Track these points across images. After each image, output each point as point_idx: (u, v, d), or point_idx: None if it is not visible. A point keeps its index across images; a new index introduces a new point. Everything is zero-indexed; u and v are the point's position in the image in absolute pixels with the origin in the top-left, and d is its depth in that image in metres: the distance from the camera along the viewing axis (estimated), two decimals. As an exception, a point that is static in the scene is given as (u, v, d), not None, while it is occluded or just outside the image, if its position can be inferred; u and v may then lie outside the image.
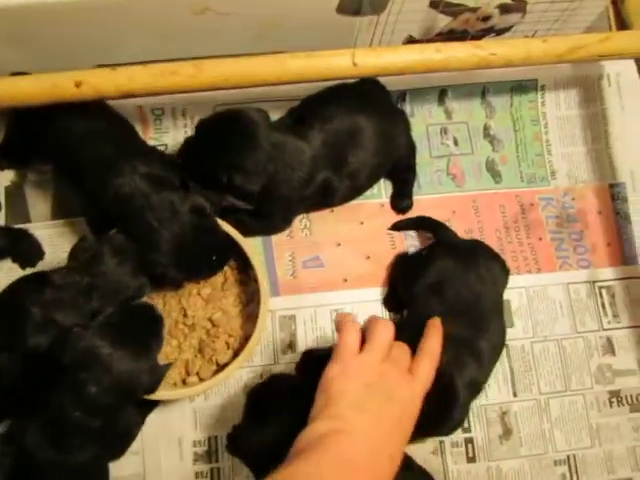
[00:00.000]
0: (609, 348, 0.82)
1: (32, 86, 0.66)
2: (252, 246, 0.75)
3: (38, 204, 0.81)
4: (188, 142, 0.73)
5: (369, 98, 0.78)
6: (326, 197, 0.77)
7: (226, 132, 0.69)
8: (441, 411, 0.65)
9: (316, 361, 0.74)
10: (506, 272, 0.76)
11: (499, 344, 0.72)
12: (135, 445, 0.73)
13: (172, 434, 0.75)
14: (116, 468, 0.71)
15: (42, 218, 0.81)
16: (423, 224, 0.83)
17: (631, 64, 0.84)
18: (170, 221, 0.65)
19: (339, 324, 0.63)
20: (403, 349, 0.63)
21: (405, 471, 0.72)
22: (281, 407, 0.66)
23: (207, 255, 0.69)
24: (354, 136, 0.74)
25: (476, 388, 0.69)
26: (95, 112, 0.71)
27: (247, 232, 0.75)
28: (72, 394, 0.59)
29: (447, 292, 0.71)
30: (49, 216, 0.81)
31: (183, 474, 0.75)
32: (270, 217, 0.77)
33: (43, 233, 0.80)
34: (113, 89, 0.65)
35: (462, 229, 0.85)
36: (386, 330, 0.62)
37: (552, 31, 0.80)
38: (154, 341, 0.65)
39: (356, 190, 0.80)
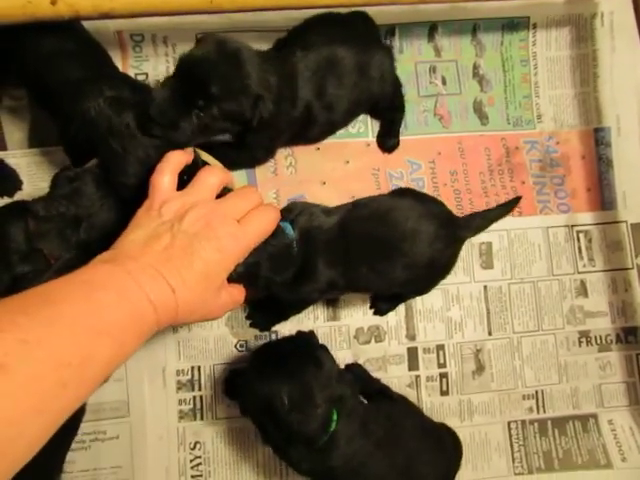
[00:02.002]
0: (582, 290, 0.85)
1: (3, 3, 0.62)
2: (237, 182, 0.74)
3: (15, 131, 0.78)
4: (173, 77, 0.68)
5: (353, 30, 0.76)
6: (306, 127, 0.75)
7: (215, 60, 0.65)
8: None
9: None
10: None
11: None
12: (119, 373, 0.75)
13: (156, 363, 0.77)
14: (100, 395, 0.74)
15: (19, 146, 0.78)
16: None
17: (627, 2, 0.82)
18: (133, 145, 0.63)
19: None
20: (242, 199, 0.59)
21: (386, 401, 0.76)
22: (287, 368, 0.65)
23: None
24: (333, 66, 0.72)
25: None
26: (65, 32, 0.67)
27: (231, 165, 0.74)
28: None
29: None
30: (26, 144, 0.78)
31: (166, 401, 0.77)
32: (253, 148, 0.75)
33: (20, 162, 0.78)
34: (91, 7, 0.62)
35: (447, 170, 0.85)
36: (213, 175, 0.59)
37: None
38: None
39: (333, 124, 0.79)
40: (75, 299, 0.45)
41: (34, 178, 0.78)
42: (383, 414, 0.71)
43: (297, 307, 0.78)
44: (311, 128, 0.76)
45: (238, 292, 0.60)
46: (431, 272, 0.73)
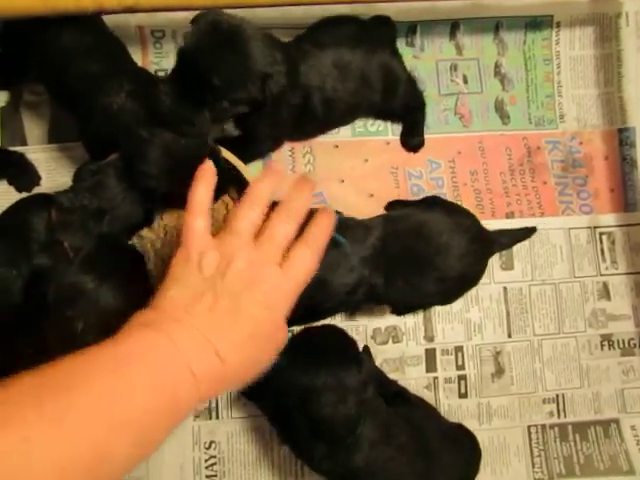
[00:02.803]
0: (605, 293, 0.84)
1: (28, -4, 0.62)
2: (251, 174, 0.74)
3: (34, 127, 0.78)
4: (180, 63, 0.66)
5: (366, 35, 0.75)
6: (303, 120, 0.74)
7: (212, 48, 0.62)
8: None
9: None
10: None
11: None
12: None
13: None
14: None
15: (38, 141, 0.78)
16: None
17: (653, 2, 0.81)
18: (158, 133, 0.63)
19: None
20: (281, 223, 0.52)
21: (404, 404, 0.75)
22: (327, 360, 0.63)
23: (195, 163, 0.66)
24: (338, 65, 0.72)
25: None
26: (85, 27, 0.67)
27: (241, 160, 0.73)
28: (58, 332, 0.57)
29: None
30: (46, 140, 0.79)
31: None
32: (259, 140, 0.74)
33: (39, 157, 0.78)
34: (115, 1, 0.62)
35: (467, 170, 0.84)
36: (250, 210, 0.52)
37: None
38: (137, 274, 0.63)
39: (329, 123, 0.78)
40: (100, 381, 0.40)
41: (53, 173, 0.78)
42: (402, 417, 0.69)
43: (333, 314, 0.77)
44: (308, 122, 0.75)
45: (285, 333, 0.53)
46: (459, 285, 0.73)
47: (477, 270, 0.73)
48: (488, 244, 0.74)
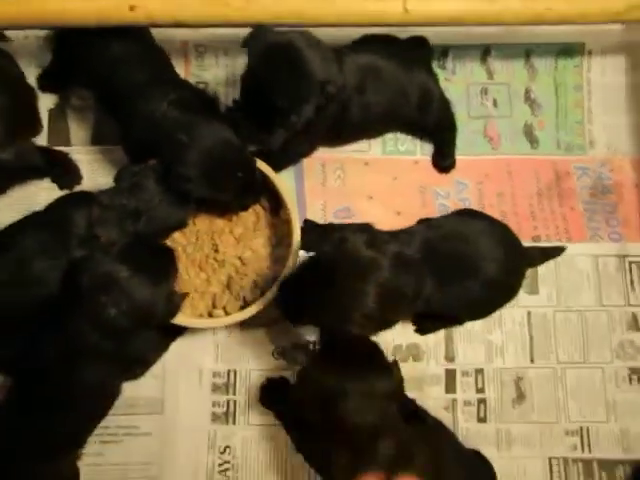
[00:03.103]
0: (633, 324, 0.81)
1: (85, 6, 0.67)
2: (287, 189, 0.76)
3: (79, 129, 0.83)
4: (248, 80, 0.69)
5: (403, 52, 0.78)
6: (340, 124, 0.75)
7: (269, 71, 0.66)
8: None
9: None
10: None
11: None
12: (157, 369, 0.75)
13: (193, 363, 0.77)
14: (136, 389, 0.74)
15: (82, 143, 0.83)
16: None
17: (685, 31, 0.82)
18: (198, 138, 0.66)
19: None
20: None
21: (421, 424, 0.73)
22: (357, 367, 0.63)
23: (231, 169, 0.69)
24: (376, 74, 0.74)
25: None
26: (132, 38, 0.72)
27: (278, 163, 0.76)
28: (89, 317, 0.59)
29: None
30: (89, 142, 0.83)
31: (200, 402, 0.76)
32: (296, 143, 0.75)
33: (82, 158, 0.82)
34: (166, 16, 0.66)
35: (494, 192, 0.85)
36: None
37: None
38: (170, 269, 0.66)
39: (363, 128, 0.79)
40: None
41: (94, 174, 0.81)
42: (420, 438, 0.68)
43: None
44: (342, 126, 0.76)
45: None
46: (502, 293, 0.74)
47: (517, 279, 0.74)
48: (524, 255, 0.75)
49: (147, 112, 0.68)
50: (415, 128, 0.84)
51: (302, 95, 0.64)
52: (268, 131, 0.66)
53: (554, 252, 0.81)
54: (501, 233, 0.73)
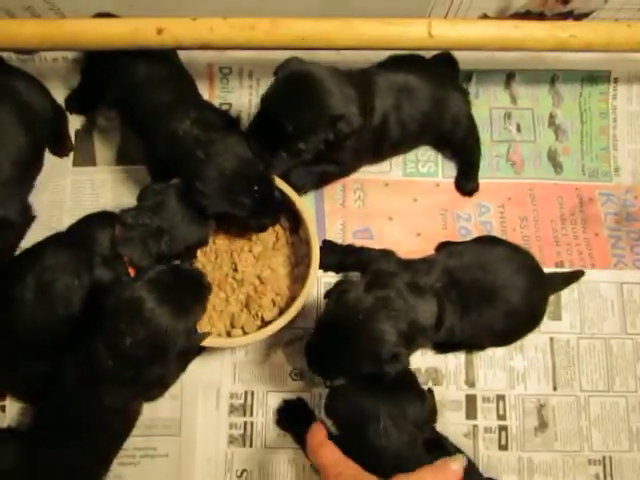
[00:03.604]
0: (659, 353, 0.80)
1: (113, 29, 0.68)
2: (307, 209, 0.76)
3: (105, 149, 0.84)
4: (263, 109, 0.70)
5: (432, 69, 0.79)
6: (379, 142, 0.76)
7: (285, 99, 0.67)
8: None
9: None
10: None
11: None
12: (175, 389, 0.75)
13: (211, 384, 0.77)
14: (154, 410, 0.74)
15: (107, 162, 0.84)
16: None
17: None
18: (214, 154, 0.66)
19: None
20: None
21: (439, 451, 0.72)
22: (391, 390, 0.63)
23: (247, 183, 0.68)
24: (409, 90, 0.75)
25: None
26: (159, 60, 0.73)
27: (321, 179, 0.78)
28: (107, 342, 0.59)
29: None
30: (114, 161, 0.84)
31: (218, 423, 0.76)
32: (342, 162, 0.77)
33: (107, 177, 0.83)
34: (193, 39, 0.67)
35: (516, 216, 0.84)
36: None
37: (634, 21, 0.78)
38: (197, 307, 0.64)
39: (401, 143, 0.79)
40: None
41: (118, 193, 0.82)
42: None
43: None
44: (383, 144, 0.77)
45: None
46: (525, 321, 0.74)
47: (541, 307, 0.74)
48: (547, 283, 0.75)
49: (170, 131, 0.69)
50: (443, 142, 0.84)
51: (310, 124, 0.65)
52: (272, 154, 0.68)
53: (574, 276, 0.80)
54: (523, 261, 0.72)
